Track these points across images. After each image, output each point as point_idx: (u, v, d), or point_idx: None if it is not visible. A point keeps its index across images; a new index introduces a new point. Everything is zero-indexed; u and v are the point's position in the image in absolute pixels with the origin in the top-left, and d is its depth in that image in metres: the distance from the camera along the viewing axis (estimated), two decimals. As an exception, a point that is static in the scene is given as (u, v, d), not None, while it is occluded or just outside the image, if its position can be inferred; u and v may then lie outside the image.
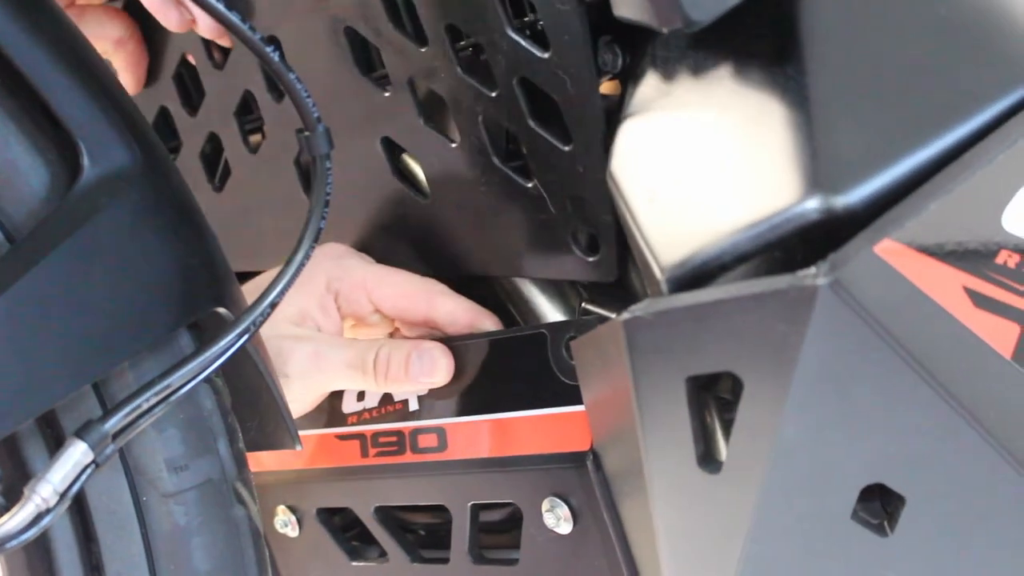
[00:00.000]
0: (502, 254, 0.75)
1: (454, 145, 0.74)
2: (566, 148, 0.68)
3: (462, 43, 0.73)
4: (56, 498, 0.54)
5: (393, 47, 0.74)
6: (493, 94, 0.71)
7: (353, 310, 0.80)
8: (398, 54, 0.74)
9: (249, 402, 0.67)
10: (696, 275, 0.57)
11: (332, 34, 0.77)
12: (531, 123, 0.69)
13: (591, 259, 0.69)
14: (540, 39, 0.67)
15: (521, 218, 0.72)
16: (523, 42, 0.67)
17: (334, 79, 0.78)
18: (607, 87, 0.74)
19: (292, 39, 0.79)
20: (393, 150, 0.79)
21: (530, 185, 0.71)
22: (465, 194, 0.75)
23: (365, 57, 0.79)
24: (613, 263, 0.68)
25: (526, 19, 0.70)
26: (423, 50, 0.73)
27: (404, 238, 0.80)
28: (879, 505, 0.58)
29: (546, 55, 0.67)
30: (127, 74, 0.90)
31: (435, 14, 0.71)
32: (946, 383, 0.54)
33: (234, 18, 0.55)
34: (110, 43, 0.88)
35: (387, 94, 0.76)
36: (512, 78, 0.69)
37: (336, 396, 0.84)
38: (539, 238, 0.72)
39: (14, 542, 0.54)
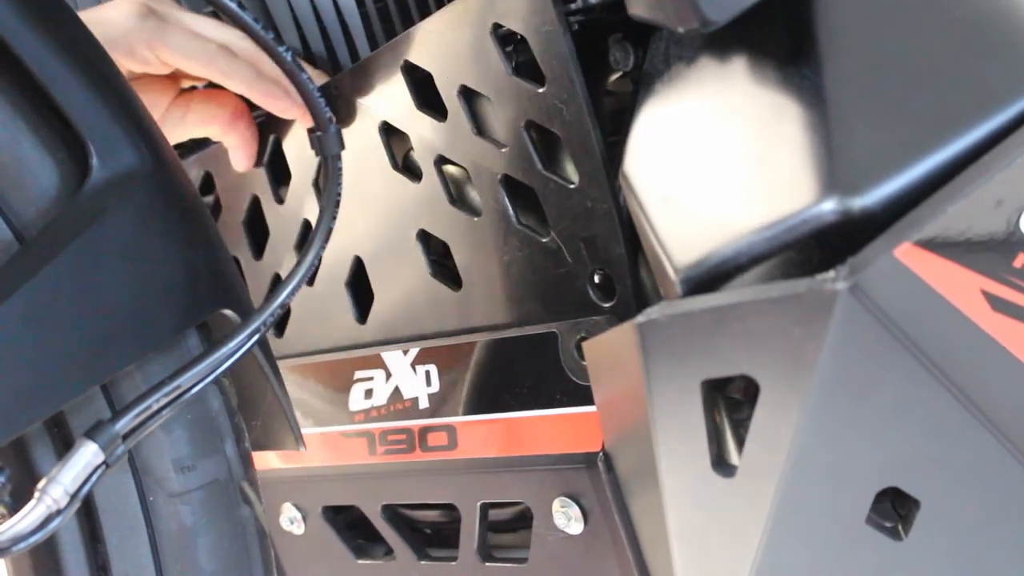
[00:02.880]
0: (526, 314, 0.75)
1: (477, 219, 0.75)
2: (572, 185, 0.69)
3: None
4: (67, 499, 0.54)
5: (420, 128, 0.77)
6: (504, 149, 0.72)
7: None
8: (424, 134, 0.77)
9: (253, 402, 0.67)
10: (711, 276, 0.56)
11: (370, 135, 0.80)
12: (540, 168, 0.71)
13: (607, 304, 0.70)
14: (538, 78, 0.69)
15: (543, 275, 0.73)
16: (522, 81, 0.70)
17: (376, 178, 0.81)
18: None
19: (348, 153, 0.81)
20: (429, 244, 0.80)
21: (546, 240, 0.72)
22: (491, 267, 0.76)
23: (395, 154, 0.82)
24: (631, 303, 0.68)
25: (522, 60, 0.72)
26: (443, 123, 0.75)
27: (437, 322, 0.80)
28: (893, 508, 0.58)
29: (542, 89, 0.69)
30: (239, 152, 0.87)
31: (449, 79, 0.74)
32: (963, 386, 0.53)
33: (247, 17, 0.54)
34: (222, 124, 0.85)
35: (416, 184, 0.78)
36: (519, 124, 0.71)
37: (342, 394, 0.84)
38: (561, 291, 0.73)
39: (24, 543, 0.54)
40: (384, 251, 0.81)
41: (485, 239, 0.75)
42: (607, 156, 0.68)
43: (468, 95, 0.74)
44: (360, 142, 0.81)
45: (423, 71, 0.76)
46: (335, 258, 0.84)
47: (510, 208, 0.73)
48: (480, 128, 0.74)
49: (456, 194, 0.78)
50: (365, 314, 0.84)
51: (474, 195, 0.77)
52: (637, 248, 0.68)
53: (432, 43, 0.74)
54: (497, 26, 0.70)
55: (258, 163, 0.88)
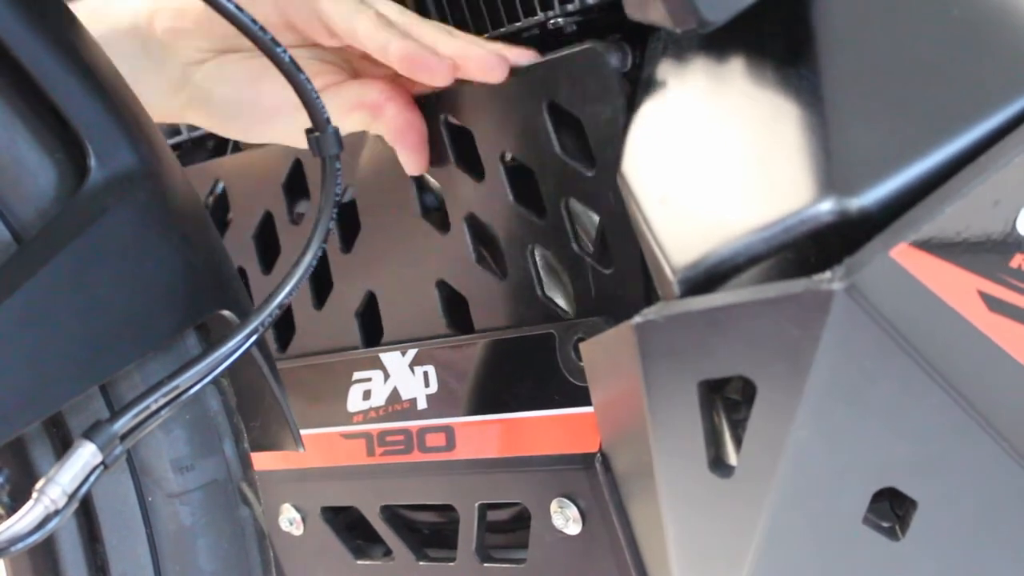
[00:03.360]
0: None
1: (502, 281, 0.75)
2: (608, 271, 0.69)
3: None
4: (65, 499, 0.54)
5: (455, 183, 0.76)
6: (542, 221, 0.72)
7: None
8: (459, 189, 0.76)
9: (251, 403, 0.67)
10: (708, 277, 0.57)
11: (399, 181, 0.78)
12: (575, 247, 0.70)
13: None
14: (587, 159, 0.69)
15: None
16: (570, 161, 0.69)
17: (400, 224, 0.80)
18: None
19: (368, 188, 0.81)
20: (445, 294, 0.79)
21: (569, 316, 0.72)
22: (508, 330, 0.75)
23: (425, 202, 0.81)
24: None
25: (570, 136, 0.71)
26: (480, 183, 0.74)
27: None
28: (890, 509, 0.58)
29: (591, 173, 0.68)
30: (396, 147, 0.75)
31: (492, 144, 0.73)
32: (959, 387, 0.54)
33: (244, 17, 0.54)
34: (369, 109, 0.74)
35: (444, 236, 0.78)
36: (560, 201, 0.70)
37: (341, 396, 0.84)
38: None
39: (22, 543, 0.54)
40: (400, 292, 0.81)
41: (507, 301, 0.75)
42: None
43: (509, 162, 0.73)
44: (392, 184, 0.80)
45: (463, 128, 0.75)
46: (348, 287, 0.84)
47: (535, 280, 0.73)
48: (518, 196, 0.73)
49: (482, 254, 0.77)
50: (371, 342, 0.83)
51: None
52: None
53: (477, 104, 0.73)
54: (553, 104, 0.69)
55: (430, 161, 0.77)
